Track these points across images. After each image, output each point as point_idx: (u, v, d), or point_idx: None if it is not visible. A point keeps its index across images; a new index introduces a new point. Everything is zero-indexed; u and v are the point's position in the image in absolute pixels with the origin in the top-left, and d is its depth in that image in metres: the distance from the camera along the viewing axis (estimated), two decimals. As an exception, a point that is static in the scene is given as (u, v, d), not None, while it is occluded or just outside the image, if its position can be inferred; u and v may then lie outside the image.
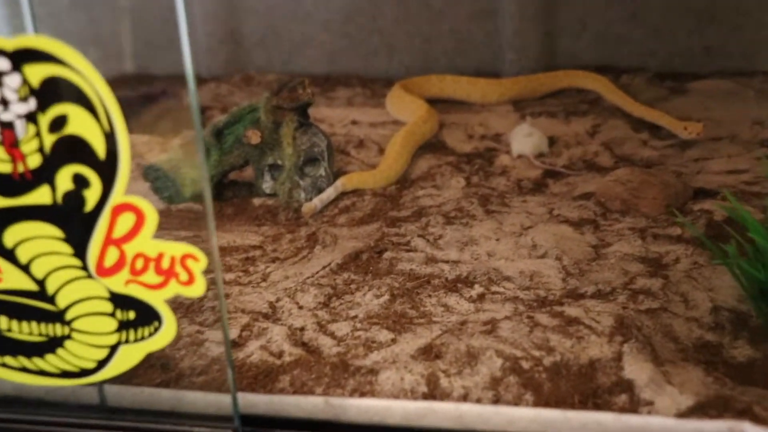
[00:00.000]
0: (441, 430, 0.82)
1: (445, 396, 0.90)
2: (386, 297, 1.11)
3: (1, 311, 0.82)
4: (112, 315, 0.80)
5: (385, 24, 2.02)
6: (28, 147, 0.74)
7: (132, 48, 2.06)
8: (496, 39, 1.98)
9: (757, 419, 0.82)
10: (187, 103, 1.79)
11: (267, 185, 1.43)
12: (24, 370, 0.84)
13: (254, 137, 1.41)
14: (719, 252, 1.03)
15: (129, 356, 0.81)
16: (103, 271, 0.78)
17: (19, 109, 0.73)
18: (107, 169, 0.74)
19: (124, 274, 0.78)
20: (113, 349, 0.81)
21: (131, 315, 0.80)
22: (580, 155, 1.57)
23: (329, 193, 1.41)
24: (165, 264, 0.77)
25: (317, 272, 1.18)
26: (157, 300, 0.79)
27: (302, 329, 1.04)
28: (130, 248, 0.77)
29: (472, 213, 1.34)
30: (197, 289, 0.77)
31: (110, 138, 0.73)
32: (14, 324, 0.82)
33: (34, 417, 0.88)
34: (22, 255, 0.79)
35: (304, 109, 1.43)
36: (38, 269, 0.79)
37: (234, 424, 0.85)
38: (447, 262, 1.19)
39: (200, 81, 2.08)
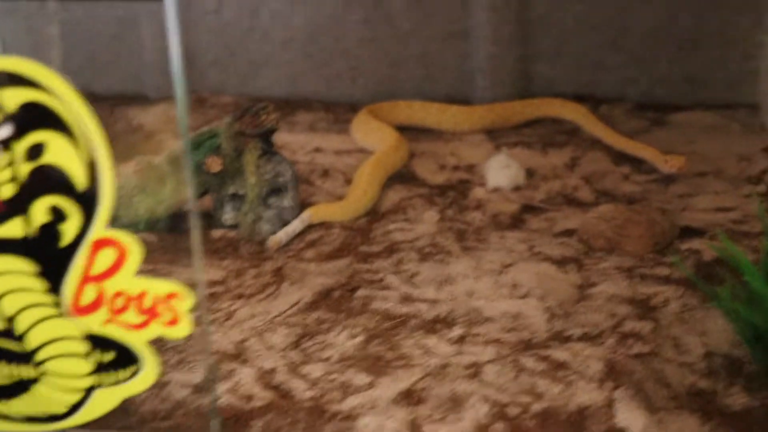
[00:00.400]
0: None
1: (428, 444, 0.92)
2: (361, 338, 1.13)
3: None
4: (87, 356, 0.80)
5: (350, 45, 2.05)
6: (1, 176, 0.75)
7: (71, 64, 2.06)
8: (468, 63, 2.02)
9: (757, 470, 0.85)
10: (137, 125, 1.79)
11: (228, 216, 1.45)
12: None
13: (215, 165, 1.42)
14: (713, 294, 1.07)
15: (104, 401, 0.82)
16: (80, 310, 0.78)
17: None
18: (87, 201, 0.75)
19: (103, 313, 0.78)
20: (87, 392, 0.81)
21: (108, 357, 0.80)
22: (558, 189, 1.60)
23: (295, 225, 1.43)
24: (147, 303, 0.77)
25: (286, 310, 1.20)
26: (137, 341, 0.79)
27: (272, 371, 1.06)
28: (110, 286, 0.77)
29: (447, 249, 1.37)
30: (181, 330, 0.78)
31: (92, 168, 0.73)
32: None
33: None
34: None
35: (267, 136, 1.45)
36: (7, 306, 0.79)
37: None
38: (424, 301, 1.21)
39: (148, 102, 2.09)
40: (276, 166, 1.45)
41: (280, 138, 1.85)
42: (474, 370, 1.04)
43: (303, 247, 1.40)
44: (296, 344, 1.12)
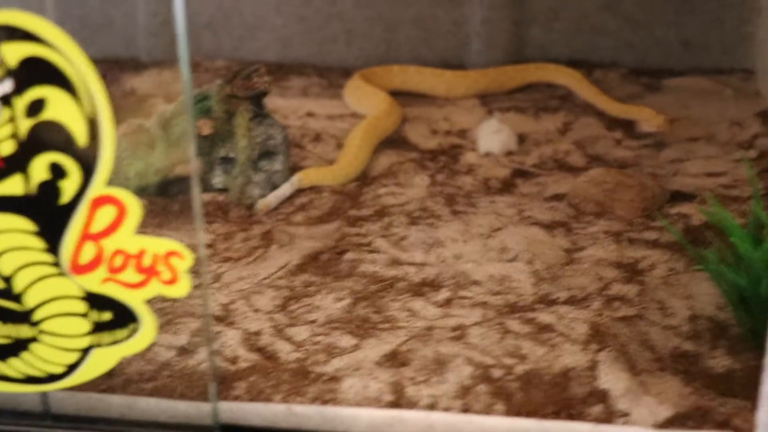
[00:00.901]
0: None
1: (411, 405, 0.93)
2: (348, 300, 1.13)
3: None
4: (86, 316, 0.80)
5: (344, 8, 2.04)
6: (1, 132, 0.74)
7: (63, 27, 2.06)
8: (463, 28, 2.01)
9: (736, 430, 0.86)
10: (129, 89, 1.79)
11: (218, 180, 1.44)
12: None
13: (205, 128, 1.42)
14: (700, 257, 1.07)
15: (102, 361, 0.81)
16: (78, 269, 0.78)
17: None
18: (88, 158, 0.74)
19: (101, 271, 0.78)
20: (85, 352, 0.81)
21: (107, 316, 0.80)
22: (550, 154, 1.60)
23: (285, 189, 1.43)
24: (146, 262, 0.77)
25: (273, 273, 1.20)
26: (136, 300, 0.79)
27: (258, 333, 1.06)
28: (109, 244, 0.77)
29: (437, 213, 1.37)
30: (180, 289, 0.77)
31: (93, 124, 0.72)
32: None
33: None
34: None
35: (259, 98, 1.45)
36: (5, 265, 0.79)
37: None
38: (412, 264, 1.21)
39: (140, 66, 2.08)
40: (267, 129, 1.45)
41: (273, 102, 1.84)
42: (459, 333, 1.05)
43: (292, 211, 1.40)
44: (283, 307, 1.12)
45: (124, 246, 0.77)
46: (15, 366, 0.83)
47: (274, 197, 1.41)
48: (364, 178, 1.52)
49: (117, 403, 0.91)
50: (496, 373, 0.97)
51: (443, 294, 1.14)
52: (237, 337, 1.05)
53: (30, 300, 0.80)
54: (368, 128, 1.61)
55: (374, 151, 1.61)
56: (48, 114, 0.73)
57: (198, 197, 0.78)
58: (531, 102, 1.85)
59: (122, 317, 0.80)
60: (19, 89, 0.72)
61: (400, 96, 1.85)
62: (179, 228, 1.36)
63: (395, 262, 1.22)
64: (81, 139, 0.73)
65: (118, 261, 0.77)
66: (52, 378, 0.83)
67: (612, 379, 0.95)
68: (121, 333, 0.80)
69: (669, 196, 1.39)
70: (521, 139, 1.66)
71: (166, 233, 1.33)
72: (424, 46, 2.04)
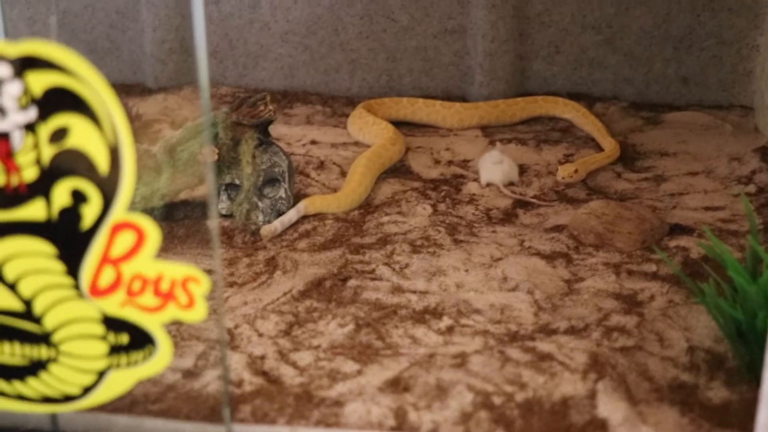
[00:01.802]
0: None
1: (413, 430, 0.94)
2: (351, 326, 1.15)
3: None
4: (104, 338, 0.81)
5: (348, 38, 2.07)
6: (25, 159, 0.76)
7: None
8: (466, 59, 2.04)
9: (733, 461, 0.88)
10: (135, 114, 1.81)
11: (223, 206, 1.47)
12: (1, 394, 0.84)
13: (210, 155, 1.45)
14: (698, 290, 1.09)
15: (118, 382, 0.82)
16: (97, 292, 0.79)
17: (18, 118, 0.74)
18: (109, 185, 0.75)
19: (120, 295, 0.79)
20: (102, 374, 0.82)
21: (124, 339, 0.81)
22: (551, 185, 1.63)
23: (291, 215, 1.45)
24: (164, 286, 0.78)
25: (278, 299, 1.22)
26: (153, 324, 0.80)
27: (262, 357, 1.08)
28: (128, 268, 0.78)
29: (439, 242, 1.40)
30: (197, 313, 0.78)
31: (114, 152, 0.74)
32: None
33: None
34: (10, 272, 0.80)
35: (265, 126, 1.48)
36: (26, 288, 0.80)
37: None
38: (414, 292, 1.24)
39: (147, 92, 2.11)
40: (272, 157, 1.47)
41: (277, 130, 1.87)
42: (460, 360, 1.07)
43: (296, 238, 1.42)
44: (287, 332, 1.14)
45: (142, 270, 0.78)
46: (32, 386, 0.84)
47: (279, 223, 1.43)
48: (367, 206, 1.54)
49: (123, 424, 0.92)
50: (497, 400, 0.99)
51: (445, 322, 1.16)
52: (242, 360, 1.07)
53: (49, 322, 0.81)
54: (371, 157, 1.64)
55: (377, 180, 1.63)
56: (71, 141, 0.75)
57: (216, 225, 0.79)
58: (532, 134, 1.87)
59: (139, 340, 0.81)
60: (42, 117, 0.74)
61: (402, 126, 1.88)
62: (185, 252, 1.38)
63: (398, 290, 1.24)
64: (102, 167, 0.75)
65: (137, 285, 0.79)
66: (68, 399, 0.84)
67: (611, 408, 0.97)
68: (137, 355, 0.82)
69: (668, 229, 1.41)
70: (523, 170, 1.69)
71: (171, 257, 1.35)
72: (426, 76, 2.07)
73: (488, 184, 1.62)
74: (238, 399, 0.99)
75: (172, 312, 0.79)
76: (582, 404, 0.99)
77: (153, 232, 0.77)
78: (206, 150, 1.45)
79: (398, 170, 1.70)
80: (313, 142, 1.82)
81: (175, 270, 0.78)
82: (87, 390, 0.83)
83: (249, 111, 1.46)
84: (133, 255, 0.77)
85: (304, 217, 1.48)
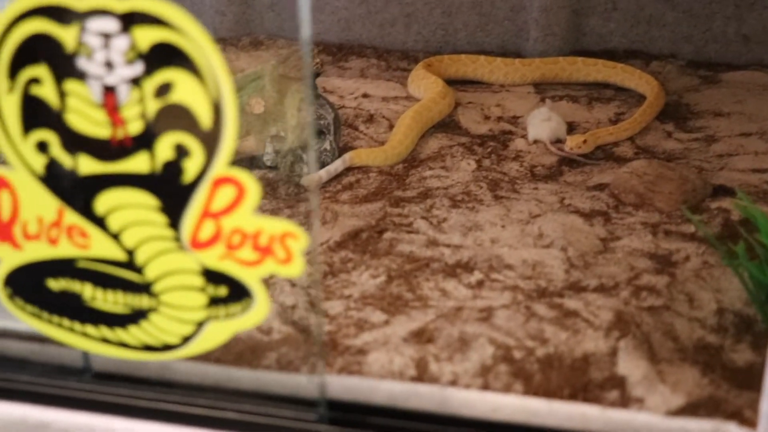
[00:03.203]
0: (426, 413, 0.89)
1: (433, 380, 0.96)
2: (383, 278, 1.17)
3: (86, 279, 0.85)
4: (203, 290, 0.83)
5: (405, -8, 2.08)
6: (131, 112, 0.78)
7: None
8: (521, 15, 2.03)
9: (746, 422, 0.88)
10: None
11: (268, 157, 1.49)
12: (104, 341, 0.87)
13: (257, 106, 1.47)
14: (728, 253, 1.09)
15: (217, 333, 0.84)
16: (198, 245, 0.81)
17: (124, 72, 0.76)
18: (211, 140, 0.76)
19: (219, 248, 0.81)
20: (200, 325, 0.84)
21: (222, 291, 0.83)
22: (600, 144, 1.62)
23: (336, 165, 1.48)
24: (263, 241, 0.79)
25: (314, 249, 1.25)
26: (251, 277, 0.81)
27: (294, 307, 1.11)
28: (228, 223, 0.79)
29: (479, 197, 1.40)
30: (294, 268, 0.79)
31: (217, 107, 0.75)
32: (99, 293, 0.86)
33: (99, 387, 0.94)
34: (114, 223, 0.82)
35: (312, 78, 1.50)
36: (129, 238, 0.83)
37: (320, 409, 0.88)
38: (448, 246, 1.25)
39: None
40: (318, 109, 1.49)
41: (331, 83, 1.89)
42: (486, 314, 1.08)
43: (339, 190, 1.44)
44: (320, 282, 1.17)
45: (242, 225, 0.79)
46: (134, 334, 0.87)
47: (325, 172, 1.45)
48: (412, 160, 1.55)
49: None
50: (518, 354, 1.00)
51: (476, 276, 1.17)
52: (273, 310, 1.10)
53: (151, 272, 0.84)
54: (419, 111, 1.65)
55: (425, 135, 1.64)
56: (175, 96, 0.76)
57: (315, 178, 0.79)
58: (585, 91, 1.86)
59: (237, 293, 0.82)
60: (148, 71, 0.75)
61: (455, 81, 1.88)
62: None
63: (432, 243, 1.26)
64: (205, 122, 0.76)
65: (236, 239, 0.80)
66: (168, 347, 0.86)
67: (630, 366, 0.98)
68: (235, 308, 0.83)
69: (711, 191, 1.40)
70: (572, 127, 1.68)
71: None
72: (482, 32, 2.06)
73: (535, 141, 1.62)
74: (265, 346, 1.02)
75: (269, 266, 0.80)
76: (602, 361, 1.00)
77: (253, 187, 0.77)
78: (253, 101, 1.47)
79: (447, 125, 1.70)
80: (365, 96, 1.84)
81: (274, 225, 0.79)
82: (186, 339, 0.86)
83: (296, 64, 1.48)
84: (233, 209, 0.79)
85: (349, 169, 1.50)
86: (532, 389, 0.95)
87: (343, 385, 0.94)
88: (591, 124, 1.70)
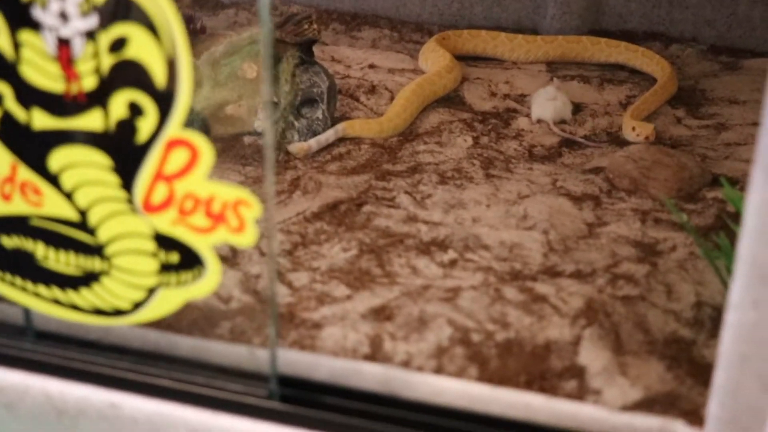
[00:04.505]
0: (367, 392, 0.86)
1: (386, 359, 0.93)
2: (354, 252, 1.14)
3: (39, 238, 0.84)
4: (155, 255, 0.81)
5: (424, -37, 2.03)
6: (85, 67, 0.75)
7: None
8: (541, -9, 1.98)
9: (699, 422, 0.84)
10: (201, 26, 1.81)
11: (259, 123, 1.47)
12: (56, 302, 0.86)
13: (250, 71, 1.44)
14: (714, 245, 1.04)
15: (167, 301, 0.82)
16: (150, 208, 0.79)
17: (79, 25, 0.74)
18: (165, 100, 0.74)
19: (172, 213, 0.78)
20: (151, 291, 0.83)
21: (174, 257, 0.80)
22: (605, 126, 1.57)
23: (328, 135, 1.44)
24: (215, 208, 0.77)
25: (289, 218, 1.22)
26: (203, 245, 0.79)
27: (257, 276, 1.08)
28: (181, 187, 0.77)
29: (470, 175, 1.37)
30: (247, 238, 0.77)
31: (172, 66, 0.73)
32: (51, 253, 0.84)
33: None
34: (67, 181, 0.80)
35: (308, 45, 1.46)
36: (82, 198, 0.81)
37: (270, 384, 0.86)
38: (427, 223, 1.22)
39: (219, 6, 2.11)
40: (312, 77, 1.46)
41: (341, 52, 1.86)
42: (452, 295, 1.05)
43: (328, 160, 1.41)
44: (290, 252, 1.14)
45: (195, 190, 0.77)
46: (86, 297, 0.85)
47: (315, 142, 1.42)
48: (409, 134, 1.52)
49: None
50: (476, 337, 0.97)
51: (449, 255, 1.14)
52: (236, 278, 1.07)
53: (103, 234, 0.82)
54: (421, 84, 1.61)
55: (426, 109, 1.61)
56: (130, 52, 0.74)
57: (272, 148, 0.77)
58: (599, 72, 1.81)
59: (189, 260, 0.80)
60: (103, 25, 0.73)
61: (471, 58, 1.84)
62: (214, 168, 1.38)
63: (411, 219, 1.22)
64: (159, 80, 0.74)
65: (189, 204, 0.77)
66: (119, 312, 0.85)
67: (592, 356, 0.94)
68: (186, 275, 0.81)
69: (711, 180, 1.35)
70: (579, 108, 1.64)
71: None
72: (498, 6, 2.01)
73: (539, 121, 1.58)
74: (222, 315, 1.00)
75: (222, 234, 0.78)
76: (564, 350, 0.96)
77: (207, 151, 0.75)
78: (246, 66, 1.44)
79: (451, 100, 1.66)
80: (372, 66, 1.80)
81: (227, 192, 0.76)
82: (137, 306, 0.84)
83: (293, 29, 1.45)
84: (186, 173, 0.76)
85: (342, 140, 1.47)
86: (488, 374, 0.92)
87: (294, 360, 0.91)
88: (600, 105, 1.66)
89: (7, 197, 0.83)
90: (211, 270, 0.80)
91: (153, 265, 0.82)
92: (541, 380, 0.92)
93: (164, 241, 0.80)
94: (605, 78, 1.77)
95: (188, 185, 0.77)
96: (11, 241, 0.85)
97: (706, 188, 1.33)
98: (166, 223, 0.79)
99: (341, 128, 1.47)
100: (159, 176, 0.77)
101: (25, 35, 0.76)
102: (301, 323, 0.99)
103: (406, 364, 0.93)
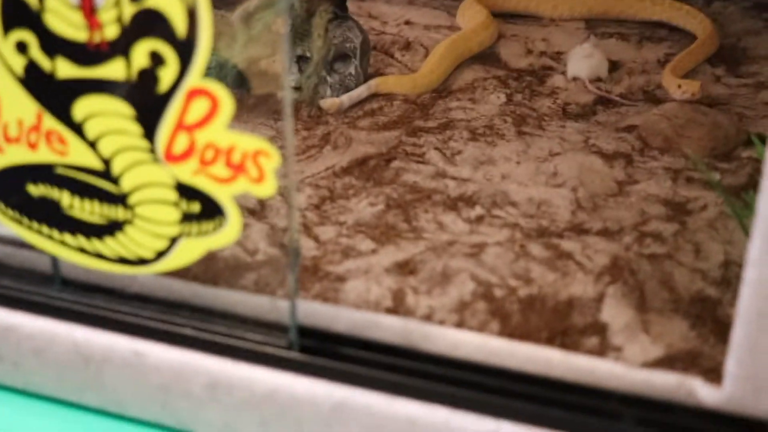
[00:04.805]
0: (388, 344, 0.86)
1: (408, 313, 0.94)
2: (381, 206, 1.14)
3: (64, 187, 0.85)
4: (177, 205, 0.81)
5: None
6: (107, 16, 0.75)
7: None
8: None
9: (719, 379, 0.83)
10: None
11: (292, 78, 1.47)
12: (81, 250, 0.87)
13: (283, 25, 1.44)
14: (736, 203, 1.03)
15: (189, 251, 0.83)
16: (172, 158, 0.79)
17: None
18: (185, 49, 0.73)
19: (193, 163, 0.78)
20: (174, 240, 0.83)
21: (195, 207, 0.81)
22: (641, 84, 1.55)
23: (360, 91, 1.44)
24: (236, 158, 0.77)
25: (318, 173, 1.22)
26: (224, 195, 0.79)
27: (285, 230, 1.09)
28: (202, 137, 0.77)
29: (501, 132, 1.36)
30: (267, 188, 0.77)
31: (192, 15, 0.72)
32: (76, 201, 0.85)
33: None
34: (90, 130, 0.81)
35: (342, 0, 1.46)
36: (105, 147, 0.81)
37: (289, 335, 0.86)
38: (455, 179, 1.21)
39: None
40: (345, 32, 1.45)
41: (377, 8, 1.85)
42: (477, 250, 1.05)
43: (360, 116, 1.41)
44: (317, 206, 1.15)
45: (215, 140, 0.77)
46: (110, 245, 0.86)
47: (347, 98, 1.42)
48: (442, 91, 1.51)
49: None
50: (499, 292, 0.97)
51: (476, 211, 1.14)
52: (263, 230, 1.08)
53: (126, 183, 0.82)
54: (456, 40, 1.60)
55: (461, 66, 1.59)
56: (150, 1, 0.73)
57: (289, 100, 0.78)
58: (638, 29, 1.78)
59: (210, 210, 0.80)
60: None
61: (509, 15, 1.82)
62: (248, 121, 1.39)
63: (440, 175, 1.22)
64: (180, 29, 0.73)
65: (209, 154, 0.77)
66: (142, 261, 0.85)
67: (614, 313, 0.94)
68: (207, 225, 0.81)
69: (747, 139, 1.33)
70: (616, 66, 1.62)
71: (235, 126, 1.36)
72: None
73: (574, 78, 1.56)
74: (246, 267, 1.01)
75: (242, 184, 0.78)
76: (587, 306, 0.96)
77: (227, 102, 0.75)
78: (280, 20, 1.44)
79: (486, 57, 1.65)
80: (407, 23, 1.79)
81: (247, 142, 0.76)
82: (160, 255, 0.84)
83: (326, -17, 1.44)
84: (206, 123, 0.76)
85: (375, 96, 1.46)
86: (509, 329, 0.92)
87: (314, 312, 0.92)
88: (637, 63, 1.63)
89: (33, 146, 0.84)
90: (232, 220, 0.80)
91: (175, 214, 0.82)
92: (562, 336, 0.92)
93: (186, 191, 0.80)
94: (644, 36, 1.75)
95: (209, 135, 0.77)
96: (37, 190, 0.86)
97: (742, 147, 1.31)
98: (188, 172, 0.79)
99: (374, 84, 1.46)
100: (180, 126, 0.77)
101: None
102: (324, 276, 1.00)
103: (428, 317, 0.93)
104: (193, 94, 0.75)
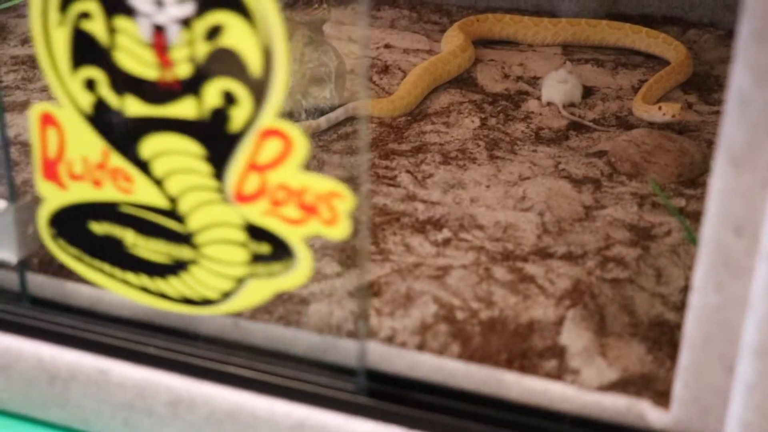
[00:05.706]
0: (344, 367, 0.88)
1: (371, 335, 0.95)
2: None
3: (128, 225, 0.84)
4: (245, 246, 0.81)
5: (445, -56, 2.04)
6: (179, 54, 0.75)
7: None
8: (559, -27, 1.98)
9: (668, 403, 0.85)
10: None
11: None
12: (144, 290, 0.86)
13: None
14: (693, 230, 1.05)
15: (257, 292, 0.82)
16: (242, 198, 0.78)
17: (174, 11, 0.73)
18: (259, 88, 0.73)
19: (264, 204, 0.78)
20: (241, 281, 0.82)
21: (265, 248, 0.80)
22: (615, 110, 1.58)
23: (338, 113, 1.46)
24: (308, 200, 0.76)
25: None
26: (294, 236, 0.78)
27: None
28: (273, 177, 0.76)
29: (473, 156, 1.38)
30: (340, 230, 0.77)
31: (267, 55, 0.72)
32: (141, 240, 0.84)
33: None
34: (158, 168, 0.80)
35: (317, 25, 1.48)
36: (173, 186, 0.80)
37: (359, 379, 0.86)
38: (425, 202, 1.23)
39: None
40: (321, 56, 1.47)
41: (357, 32, 1.87)
42: (441, 273, 1.06)
43: (335, 139, 1.43)
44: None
45: (287, 181, 0.76)
46: (174, 285, 0.85)
47: (325, 120, 1.44)
48: (418, 114, 1.53)
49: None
50: (460, 315, 0.98)
51: (444, 234, 1.15)
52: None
53: (193, 223, 0.82)
54: (433, 63, 1.63)
55: (438, 89, 1.62)
56: (225, 40, 0.73)
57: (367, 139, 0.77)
58: (614, 56, 1.81)
59: (279, 251, 0.80)
60: (198, 12, 0.73)
61: (487, 40, 1.85)
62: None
63: (410, 198, 1.24)
64: (255, 69, 0.72)
65: (281, 195, 0.77)
66: (207, 302, 0.85)
67: (573, 336, 0.96)
68: (276, 267, 0.81)
69: (712, 165, 1.35)
70: (590, 92, 1.64)
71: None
72: (516, -12, 2.02)
73: (549, 103, 1.59)
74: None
75: (314, 226, 0.77)
76: (547, 329, 0.97)
77: (301, 142, 0.74)
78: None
79: (464, 81, 1.68)
80: (387, 46, 1.82)
81: (320, 184, 0.76)
82: (226, 295, 0.84)
83: (302, 8, 1.46)
84: (279, 163, 0.76)
85: (351, 119, 1.48)
86: (469, 351, 0.94)
87: (263, 332, 0.94)
88: (612, 89, 1.66)
89: (98, 183, 0.83)
90: (303, 262, 0.80)
91: (243, 255, 0.81)
92: (521, 359, 0.93)
93: (255, 232, 0.80)
94: (620, 62, 1.78)
95: (281, 176, 0.76)
96: (101, 228, 0.86)
97: (707, 174, 1.33)
98: (258, 213, 0.78)
99: (351, 107, 1.48)
100: (252, 166, 0.76)
101: (121, 21, 0.76)
102: (288, 299, 1.01)
103: (390, 339, 0.95)
104: (267, 134, 0.75)
